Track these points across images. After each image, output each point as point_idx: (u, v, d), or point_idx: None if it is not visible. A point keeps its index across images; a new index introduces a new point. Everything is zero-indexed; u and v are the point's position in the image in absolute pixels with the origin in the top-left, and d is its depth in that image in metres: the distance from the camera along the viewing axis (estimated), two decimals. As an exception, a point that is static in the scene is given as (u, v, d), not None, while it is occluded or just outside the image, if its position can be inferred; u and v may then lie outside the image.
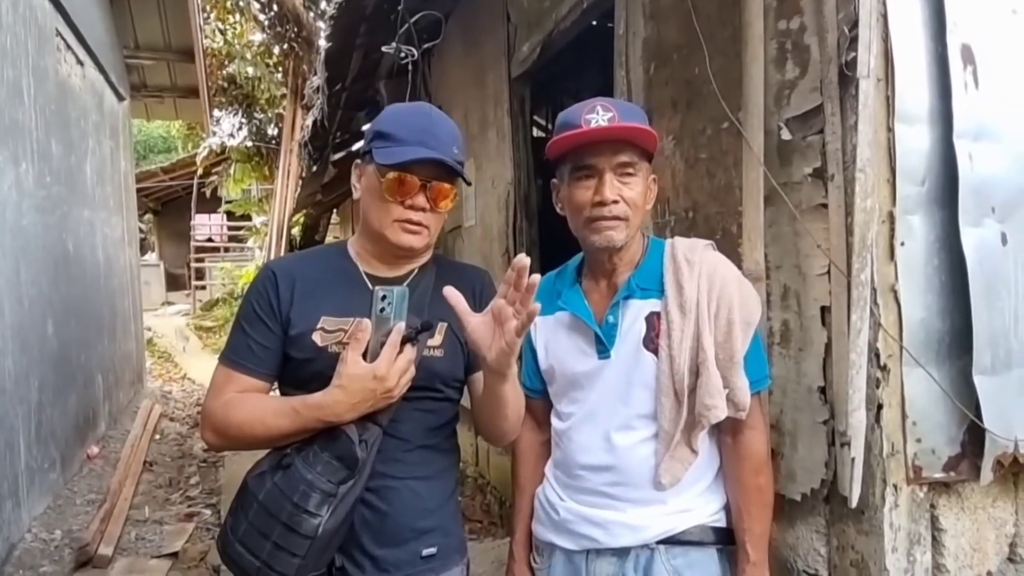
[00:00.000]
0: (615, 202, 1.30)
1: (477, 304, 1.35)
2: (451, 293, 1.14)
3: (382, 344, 1.15)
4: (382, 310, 1.16)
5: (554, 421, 1.46)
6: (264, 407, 1.22)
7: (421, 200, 1.25)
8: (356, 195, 1.32)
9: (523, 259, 1.12)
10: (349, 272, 1.31)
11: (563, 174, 1.37)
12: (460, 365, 1.33)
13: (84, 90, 5.64)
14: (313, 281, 1.29)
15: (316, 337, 1.24)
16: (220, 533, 1.23)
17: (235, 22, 11.56)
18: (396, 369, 1.15)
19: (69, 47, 5.22)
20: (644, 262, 1.39)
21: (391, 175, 1.23)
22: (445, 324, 1.30)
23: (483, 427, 1.37)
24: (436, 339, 1.28)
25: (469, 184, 1.38)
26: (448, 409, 1.36)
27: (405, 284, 1.26)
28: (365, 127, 6.93)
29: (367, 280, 1.30)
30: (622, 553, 1.33)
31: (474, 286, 1.39)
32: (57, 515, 3.97)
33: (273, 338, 1.26)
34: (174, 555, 3.58)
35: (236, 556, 1.16)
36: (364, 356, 1.15)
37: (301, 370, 1.25)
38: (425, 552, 1.28)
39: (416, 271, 1.34)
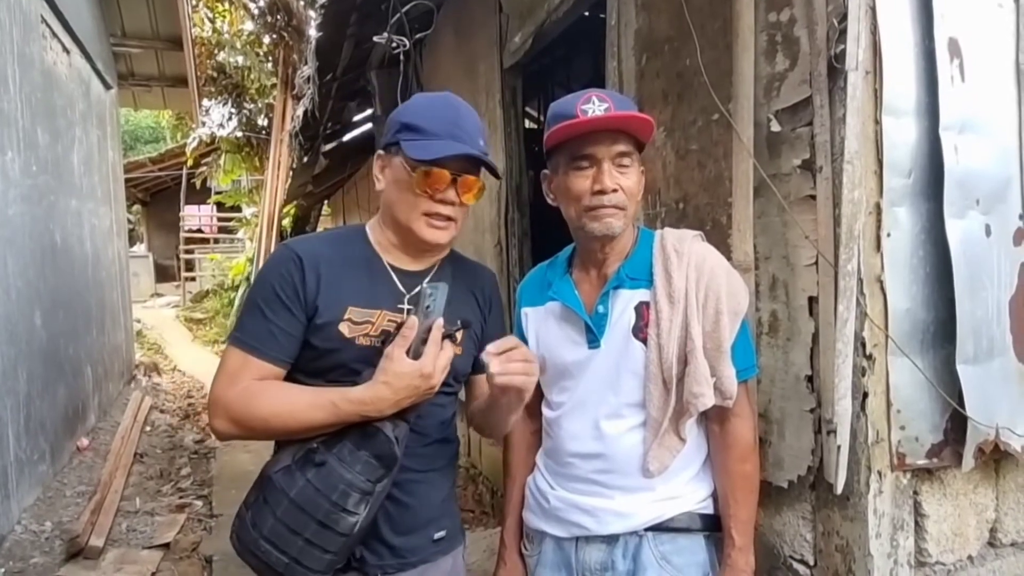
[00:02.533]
0: (614, 191, 1.31)
1: (486, 303, 1.40)
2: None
3: (423, 341, 1.15)
4: (428, 307, 1.17)
5: (544, 410, 1.48)
6: (295, 399, 1.18)
7: (451, 195, 1.24)
8: (380, 186, 1.30)
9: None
10: (372, 262, 1.29)
11: (558, 164, 1.38)
12: (471, 362, 1.35)
13: (70, 78, 5.57)
14: (338, 268, 1.25)
15: (344, 328, 1.21)
16: (236, 527, 1.20)
17: (224, 10, 11.44)
18: (439, 366, 1.16)
19: (55, 34, 5.15)
20: (634, 252, 1.41)
21: (422, 169, 1.22)
22: (462, 327, 1.30)
23: (480, 425, 1.41)
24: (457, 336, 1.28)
25: (499, 178, 1.37)
26: (455, 403, 1.39)
27: (428, 279, 1.28)
28: (357, 117, 6.91)
29: (391, 271, 1.29)
30: (611, 540, 1.35)
31: (484, 286, 1.42)
32: (47, 507, 3.96)
33: (296, 325, 1.21)
34: (166, 546, 3.59)
35: (261, 552, 1.15)
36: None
37: (322, 359, 1.22)
38: (436, 536, 1.32)
39: (437, 265, 1.35)
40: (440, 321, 1.16)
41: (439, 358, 1.16)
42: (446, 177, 1.23)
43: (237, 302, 10.63)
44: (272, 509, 1.15)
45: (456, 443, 1.42)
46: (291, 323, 1.21)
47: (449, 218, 1.26)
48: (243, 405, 1.17)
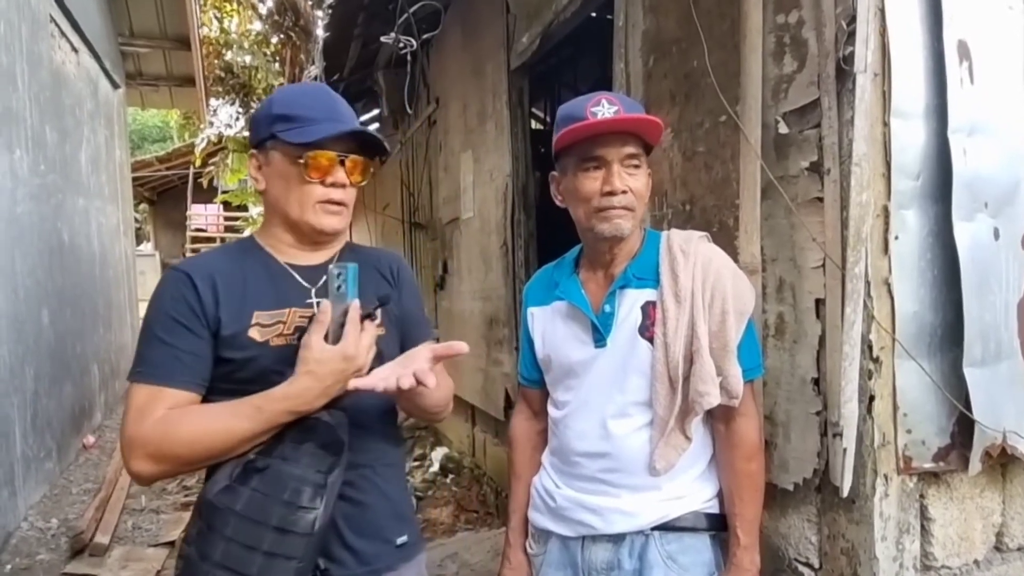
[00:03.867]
0: (624, 192, 1.32)
1: (396, 284, 1.36)
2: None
3: (341, 324, 1.11)
4: (338, 287, 1.12)
5: (551, 409, 1.48)
6: (215, 415, 1.11)
7: (341, 176, 1.21)
8: (260, 186, 1.24)
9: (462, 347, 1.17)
10: (269, 265, 1.24)
11: (567, 166, 1.38)
12: (397, 343, 1.31)
13: (79, 77, 5.61)
14: (234, 278, 1.19)
15: (254, 333, 1.16)
16: (181, 568, 1.10)
17: (232, 9, 11.48)
18: (363, 346, 1.11)
19: (63, 34, 5.19)
20: (641, 253, 1.41)
21: (309, 154, 1.18)
22: (380, 307, 1.27)
23: (409, 410, 1.34)
24: (378, 316, 1.22)
25: (386, 154, 1.31)
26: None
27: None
28: (364, 117, 6.92)
29: (290, 270, 1.24)
30: (617, 539, 1.35)
31: (390, 265, 1.37)
32: (53, 504, 3.98)
33: (201, 344, 1.14)
34: (171, 544, 3.60)
35: None
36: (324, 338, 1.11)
37: (241, 371, 1.15)
38: (399, 541, 1.27)
39: (336, 256, 1.30)
40: (356, 302, 1.12)
41: (362, 338, 1.12)
42: (333, 158, 1.20)
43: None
44: (219, 532, 1.05)
45: (402, 441, 1.38)
46: (195, 343, 1.14)
47: (342, 203, 1.23)
48: (160, 437, 1.08)
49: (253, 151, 1.24)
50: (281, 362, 1.14)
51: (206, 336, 1.15)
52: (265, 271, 1.23)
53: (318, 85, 1.30)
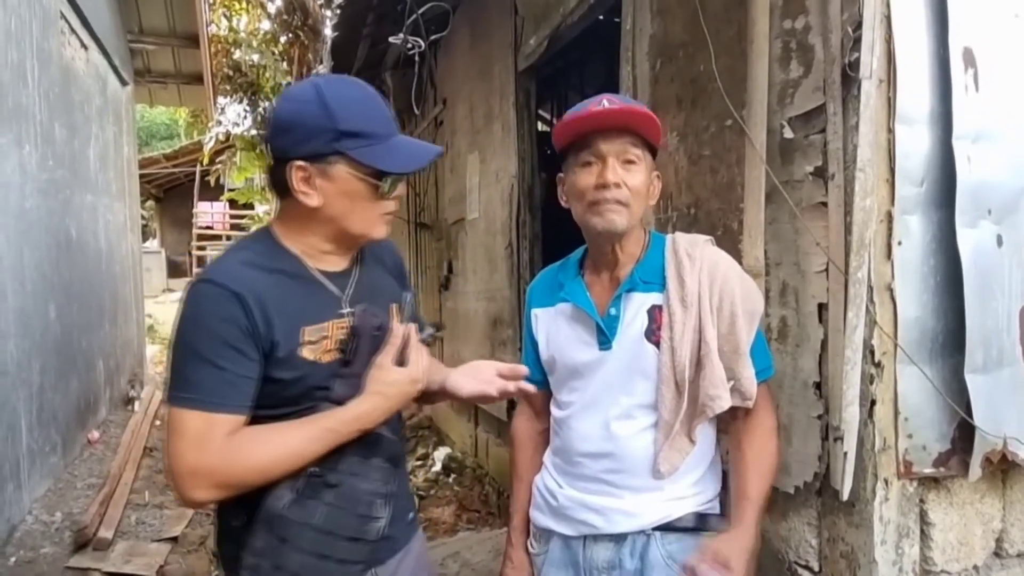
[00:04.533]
0: (617, 185, 1.32)
1: (397, 273, 1.41)
2: None
3: (373, 336, 1.18)
4: (413, 316, 1.22)
5: (553, 410, 1.49)
6: (288, 440, 1.11)
7: (402, 188, 1.25)
8: (314, 202, 1.15)
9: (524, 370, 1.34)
10: (303, 274, 1.21)
11: (569, 165, 1.39)
12: None
13: (88, 74, 5.64)
14: (276, 292, 1.15)
15: (306, 352, 1.15)
16: None
17: (241, 8, 11.52)
18: (424, 369, 1.19)
19: (73, 30, 5.22)
20: (646, 256, 1.42)
21: (392, 178, 1.18)
22: (395, 305, 1.32)
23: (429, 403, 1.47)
24: (395, 322, 1.27)
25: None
26: None
27: (353, 273, 1.27)
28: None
29: (321, 278, 1.23)
30: (619, 539, 1.36)
31: (390, 257, 1.41)
32: (58, 498, 4.00)
33: (253, 367, 1.11)
34: (174, 539, 3.62)
35: None
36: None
37: (288, 389, 1.15)
38: (410, 516, 1.37)
39: (356, 256, 1.31)
40: (414, 326, 1.20)
41: (421, 361, 1.19)
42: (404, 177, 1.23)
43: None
44: (295, 544, 1.09)
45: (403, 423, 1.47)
46: (247, 367, 1.10)
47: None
48: (230, 466, 1.08)
49: (302, 163, 1.14)
50: (328, 378, 1.17)
51: (257, 359, 1.11)
52: (300, 281, 1.20)
53: (363, 87, 1.22)
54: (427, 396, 1.32)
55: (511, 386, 1.30)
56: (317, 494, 1.11)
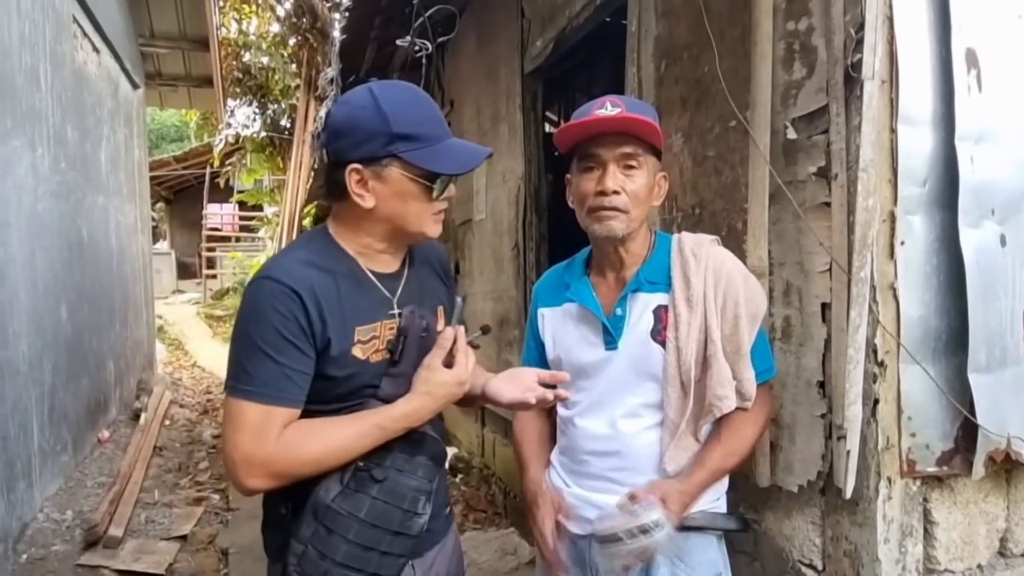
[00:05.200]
0: (616, 193, 1.33)
1: (444, 274, 1.44)
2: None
3: (420, 336, 1.22)
4: (461, 320, 1.25)
5: (560, 409, 1.50)
6: (341, 434, 1.15)
7: (452, 188, 1.27)
8: (368, 204, 1.19)
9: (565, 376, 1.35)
10: (357, 275, 1.25)
11: (573, 167, 1.41)
12: None
13: (100, 77, 5.70)
14: (333, 290, 1.19)
15: (357, 351, 1.19)
16: (295, 564, 1.15)
17: (251, 11, 11.61)
18: (471, 371, 1.23)
19: (85, 34, 5.28)
20: (652, 256, 1.43)
21: (444, 179, 1.21)
22: (441, 307, 1.35)
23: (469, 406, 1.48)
24: (440, 324, 1.31)
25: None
26: None
27: (403, 275, 1.30)
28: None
29: (373, 278, 1.26)
30: (624, 537, 1.37)
31: (437, 259, 1.44)
32: (68, 496, 4.04)
33: (308, 363, 1.16)
34: (183, 538, 3.66)
35: None
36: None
37: (341, 386, 1.19)
38: (446, 511, 1.40)
39: (405, 257, 1.34)
40: (463, 329, 1.23)
41: (469, 364, 1.23)
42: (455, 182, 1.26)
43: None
44: (342, 535, 1.14)
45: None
46: (303, 362, 1.15)
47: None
48: (287, 457, 1.13)
49: (358, 166, 1.17)
50: (377, 377, 1.21)
51: (312, 355, 1.16)
52: (355, 281, 1.23)
53: (415, 91, 1.26)
54: (468, 399, 1.33)
55: (550, 395, 1.30)
56: (364, 488, 1.16)
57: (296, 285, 1.15)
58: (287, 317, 1.13)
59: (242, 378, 1.14)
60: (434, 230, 1.27)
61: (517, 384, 1.31)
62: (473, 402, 1.39)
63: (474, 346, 1.27)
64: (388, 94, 1.20)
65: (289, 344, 1.13)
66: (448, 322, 1.26)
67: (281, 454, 1.12)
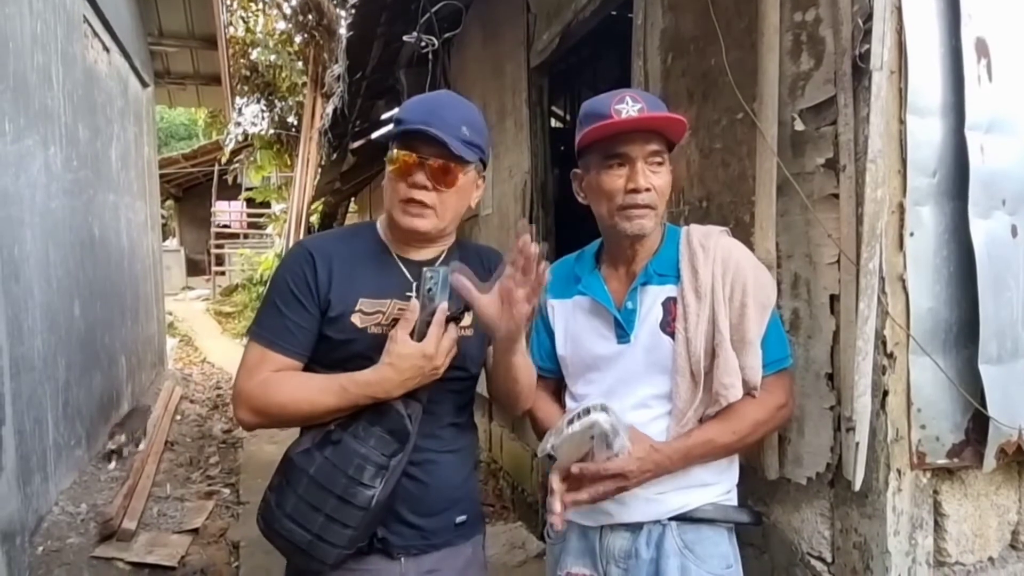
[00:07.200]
0: (648, 190, 1.34)
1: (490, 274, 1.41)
2: (456, 278, 1.17)
3: (427, 323, 1.20)
4: (429, 290, 1.20)
5: (569, 402, 1.51)
6: (309, 386, 1.24)
7: (421, 178, 1.25)
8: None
9: (531, 246, 1.12)
10: (382, 254, 1.34)
11: (589, 163, 1.41)
12: (484, 345, 1.37)
13: (110, 76, 5.74)
14: (350, 262, 1.30)
15: (355, 319, 1.26)
16: (262, 509, 1.26)
17: (258, 9, 11.64)
18: (443, 348, 1.21)
19: (96, 34, 5.31)
20: (661, 249, 1.43)
21: (391, 153, 1.28)
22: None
23: (497, 395, 1.43)
24: (466, 320, 1.30)
25: (483, 165, 1.35)
26: (472, 388, 1.42)
27: (438, 263, 1.32)
28: (385, 115, 7.00)
29: (399, 262, 1.33)
30: (635, 528, 1.37)
31: (492, 266, 1.41)
32: (83, 490, 4.09)
33: (310, 319, 1.26)
34: (194, 531, 3.69)
35: (285, 531, 1.20)
36: (411, 335, 1.20)
37: (338, 351, 1.27)
38: (458, 520, 1.36)
39: (444, 253, 1.38)
40: (444, 305, 1.20)
41: (443, 340, 1.21)
42: (412, 159, 1.25)
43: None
44: (294, 488, 1.20)
45: (474, 431, 1.46)
46: (305, 318, 1.26)
47: (424, 204, 1.27)
48: (261, 395, 1.24)
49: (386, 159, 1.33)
50: (373, 349, 1.24)
51: (315, 312, 1.27)
52: (376, 259, 1.33)
53: (439, 93, 1.40)
54: (498, 372, 1.32)
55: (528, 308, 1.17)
56: (322, 447, 1.21)
57: (314, 249, 1.30)
58: (298, 275, 1.27)
59: (255, 321, 1.31)
60: (403, 218, 1.28)
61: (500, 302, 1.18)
62: (508, 369, 1.31)
63: (455, 320, 1.23)
64: (423, 95, 1.36)
65: (294, 298, 1.26)
66: (418, 295, 1.23)
67: (258, 391, 1.24)
